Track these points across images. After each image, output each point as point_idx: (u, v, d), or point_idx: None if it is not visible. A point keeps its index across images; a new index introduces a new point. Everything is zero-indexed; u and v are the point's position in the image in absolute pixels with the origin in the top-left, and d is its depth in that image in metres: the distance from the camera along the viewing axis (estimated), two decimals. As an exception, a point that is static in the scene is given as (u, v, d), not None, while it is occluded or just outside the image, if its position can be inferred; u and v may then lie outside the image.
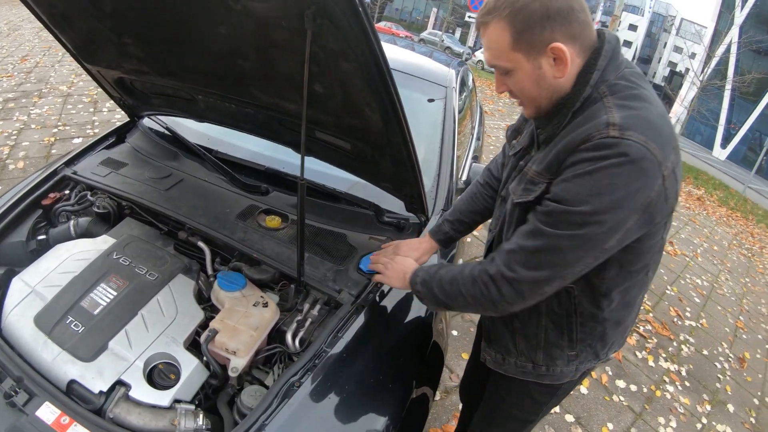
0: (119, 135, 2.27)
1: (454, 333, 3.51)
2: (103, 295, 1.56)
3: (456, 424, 2.38)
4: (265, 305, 1.59)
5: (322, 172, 2.01)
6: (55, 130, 5.30)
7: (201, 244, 1.78)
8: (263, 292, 1.68)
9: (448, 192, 2.21)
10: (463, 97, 3.20)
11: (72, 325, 1.47)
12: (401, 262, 1.56)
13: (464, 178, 2.58)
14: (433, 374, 1.79)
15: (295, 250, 1.73)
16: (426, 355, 1.69)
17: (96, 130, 5.46)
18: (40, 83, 6.99)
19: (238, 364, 1.46)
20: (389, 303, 1.70)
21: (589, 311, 1.32)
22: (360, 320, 1.57)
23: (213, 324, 1.51)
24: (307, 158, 1.51)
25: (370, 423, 1.42)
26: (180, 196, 1.91)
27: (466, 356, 3.21)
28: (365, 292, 1.66)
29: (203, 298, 1.69)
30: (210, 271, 1.73)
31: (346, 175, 1.90)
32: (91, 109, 6.09)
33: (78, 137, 5.16)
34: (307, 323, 1.59)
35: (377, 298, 1.66)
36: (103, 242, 1.73)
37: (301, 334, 1.57)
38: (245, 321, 1.53)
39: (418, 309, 1.76)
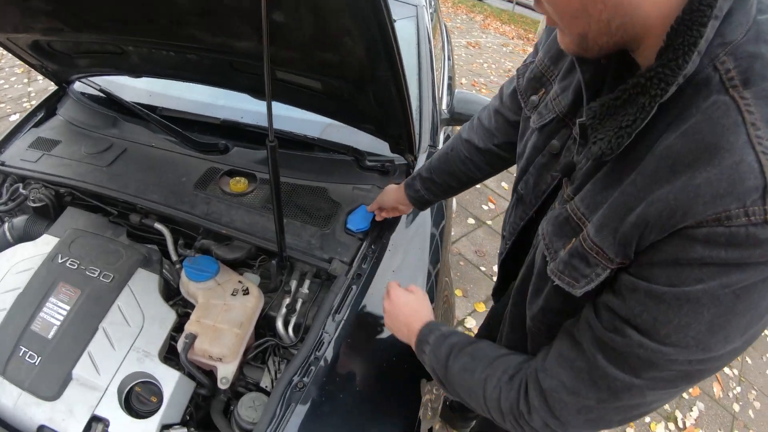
0: (49, 108, 1.86)
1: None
2: (55, 312, 1.28)
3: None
4: (246, 292, 1.30)
5: (286, 117, 1.63)
6: None
7: (158, 225, 1.45)
8: (240, 275, 1.37)
9: (432, 123, 1.83)
10: (431, 14, 2.67)
11: (27, 358, 1.22)
12: (402, 312, 1.06)
13: (445, 106, 2.16)
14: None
15: (270, 216, 1.40)
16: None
17: (33, 102, 4.73)
18: (-34, 62, 6.18)
19: (226, 372, 1.19)
20: (391, 261, 1.38)
21: None
22: (358, 292, 1.28)
23: (188, 327, 1.23)
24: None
25: (394, 413, 1.18)
26: (125, 170, 1.55)
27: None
28: (359, 254, 1.35)
29: (172, 291, 1.39)
30: (174, 257, 1.43)
31: (316, 118, 1.51)
32: (25, 80, 5.36)
33: (15, 113, 4.56)
34: (299, 305, 1.31)
35: (375, 259, 1.35)
36: (45, 244, 1.41)
37: (293, 319, 1.29)
38: (226, 317, 1.25)
39: (422, 262, 1.45)
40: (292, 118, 1.66)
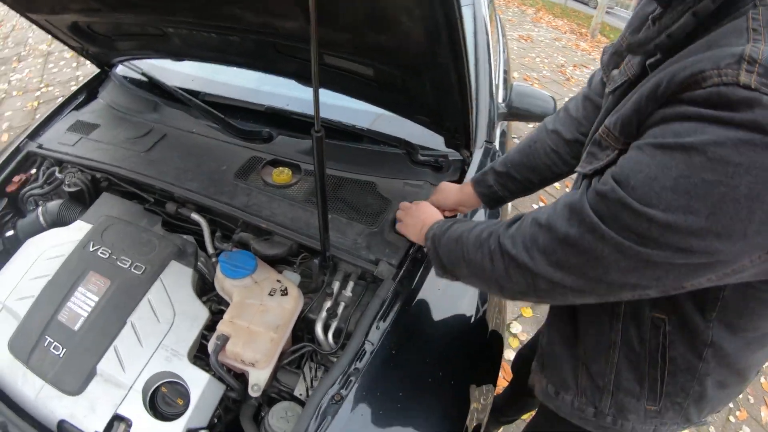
0: (90, 91, 1.80)
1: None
2: (83, 302, 1.20)
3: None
4: (284, 292, 1.18)
5: (334, 105, 1.50)
6: (38, 93, 4.74)
7: (195, 216, 1.35)
8: (280, 273, 1.25)
9: (489, 118, 1.67)
10: (487, 3, 2.52)
11: (51, 348, 1.15)
12: (424, 210, 1.16)
13: (501, 100, 2.00)
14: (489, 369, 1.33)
15: (314, 211, 1.28)
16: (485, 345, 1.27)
17: (82, 87, 4.86)
18: (19, 46, 6.22)
19: (259, 379, 1.08)
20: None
21: (685, 359, 0.85)
22: (406, 298, 1.14)
23: (221, 327, 1.12)
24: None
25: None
26: (163, 156, 1.46)
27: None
28: (408, 257, 1.21)
29: (207, 286, 1.29)
30: (211, 250, 1.32)
31: (367, 107, 1.38)
32: (74, 64, 5.43)
33: (63, 96, 4.60)
34: (340, 308, 1.18)
35: (426, 263, 1.21)
36: (78, 230, 1.33)
37: (334, 324, 1.16)
38: (261, 319, 1.13)
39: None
40: (340, 107, 1.53)
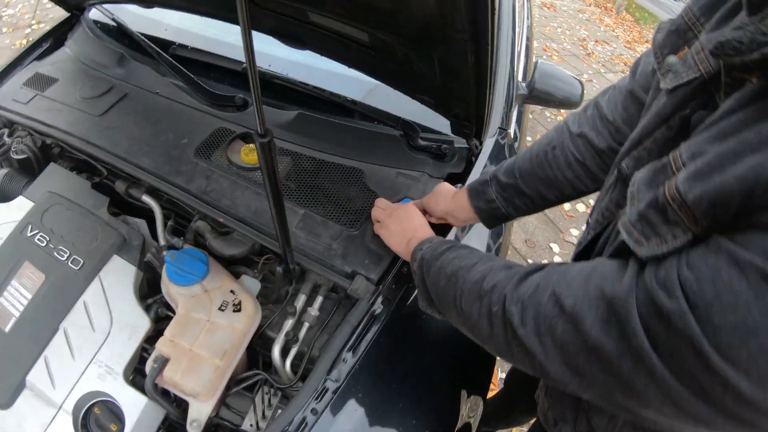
0: (57, 38, 1.54)
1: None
2: (16, 299, 1.03)
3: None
4: (238, 308, 0.96)
5: (321, 69, 1.23)
6: (28, 30, 4.39)
7: (146, 198, 1.13)
8: (237, 278, 1.03)
9: (507, 100, 1.34)
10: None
11: None
12: (410, 215, 0.94)
13: (521, 76, 1.64)
14: (481, 379, 1.12)
15: (286, 202, 1.05)
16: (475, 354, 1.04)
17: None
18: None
19: (200, 414, 0.89)
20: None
21: None
22: (384, 325, 0.92)
23: (160, 347, 0.93)
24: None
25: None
26: (119, 122, 1.22)
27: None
28: (392, 272, 0.97)
29: (156, 281, 1.08)
30: (162, 242, 1.10)
31: (359, 75, 1.10)
32: None
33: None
34: (304, 329, 0.96)
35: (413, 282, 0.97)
36: (18, 209, 1.14)
37: (294, 349, 0.95)
38: (207, 341, 0.93)
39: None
40: (328, 72, 1.26)
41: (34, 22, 4.56)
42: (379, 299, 0.94)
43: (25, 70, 1.42)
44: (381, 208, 0.98)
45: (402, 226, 0.91)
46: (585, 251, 0.76)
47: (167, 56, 1.28)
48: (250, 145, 1.16)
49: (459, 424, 0.97)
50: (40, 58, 1.48)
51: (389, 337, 0.93)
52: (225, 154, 1.15)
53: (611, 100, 0.80)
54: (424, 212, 0.98)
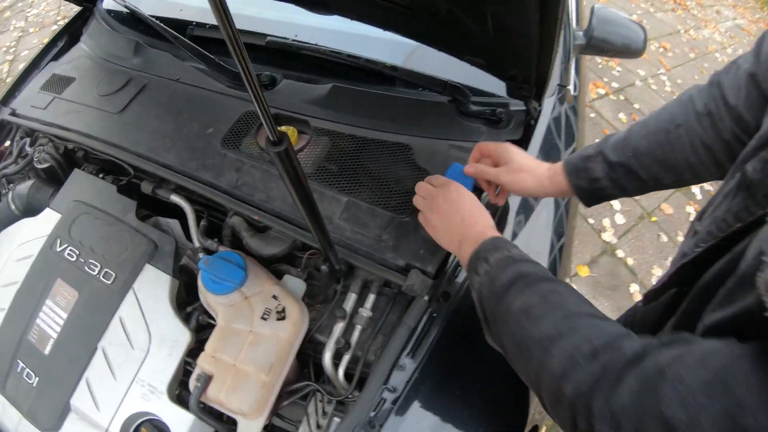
0: (72, 34, 1.45)
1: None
2: (52, 320, 0.98)
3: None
4: (282, 315, 0.85)
5: (352, 33, 1.08)
6: (55, 27, 4.26)
7: (175, 198, 1.02)
8: (279, 280, 0.91)
9: (564, 52, 1.16)
10: None
11: (24, 376, 0.97)
12: (462, 205, 0.75)
13: (575, 23, 1.42)
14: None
15: (324, 191, 0.93)
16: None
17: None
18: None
19: (249, 431, 0.79)
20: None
21: None
22: (446, 323, 0.78)
23: (201, 363, 0.83)
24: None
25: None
26: (139, 117, 1.11)
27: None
28: (451, 262, 0.82)
29: (194, 286, 0.98)
30: (197, 244, 0.99)
31: (398, 38, 0.94)
32: None
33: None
34: (356, 333, 0.84)
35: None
36: (46, 222, 1.06)
37: (347, 357, 0.82)
38: (250, 354, 0.82)
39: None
40: (360, 36, 1.10)
41: (59, 18, 4.53)
42: (438, 294, 0.80)
43: (43, 73, 1.34)
44: (422, 196, 0.80)
45: (448, 221, 0.74)
46: (690, 266, 0.62)
47: (184, 39, 1.16)
48: (282, 127, 1.03)
49: (527, 429, 0.85)
50: (56, 57, 1.39)
51: (449, 337, 0.80)
52: (255, 140, 1.03)
53: (733, 81, 0.64)
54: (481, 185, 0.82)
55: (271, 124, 0.48)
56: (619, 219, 2.74)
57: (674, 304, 0.70)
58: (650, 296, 0.79)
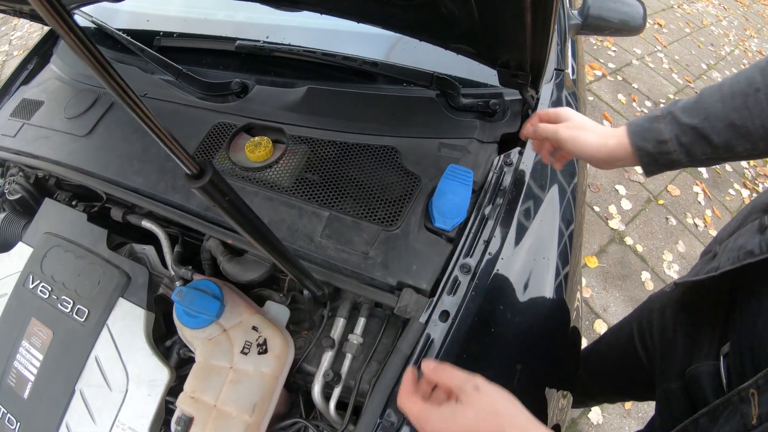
0: (42, 55, 1.37)
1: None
2: (29, 362, 0.91)
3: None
4: (263, 349, 0.76)
5: (328, 29, 1.00)
6: None
7: (147, 224, 0.94)
8: (257, 311, 0.83)
9: (560, 34, 1.08)
10: None
11: (6, 421, 0.91)
12: (491, 406, 0.53)
13: (567, 4, 1.31)
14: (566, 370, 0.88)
15: (303, 205, 0.84)
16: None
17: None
18: (18, 1, 5.69)
19: (234, 481, 0.71)
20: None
21: None
22: (446, 345, 0.69)
23: (181, 405, 0.75)
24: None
25: None
26: (107, 139, 1.03)
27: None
28: (450, 275, 0.73)
29: (171, 320, 0.90)
30: (171, 272, 0.91)
31: (379, 30, 0.84)
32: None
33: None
34: (346, 363, 0.75)
35: (480, 282, 0.73)
36: (19, 258, 0.99)
37: (338, 388, 0.74)
38: (232, 394, 0.74)
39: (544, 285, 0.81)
40: (338, 32, 1.01)
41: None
42: (436, 315, 0.71)
43: (13, 98, 1.26)
44: (411, 403, 0.56)
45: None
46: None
47: (150, 51, 1.07)
48: (255, 138, 0.94)
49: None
50: (26, 81, 1.31)
51: (451, 360, 0.71)
52: (227, 153, 0.94)
53: None
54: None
55: (183, 151, 0.39)
56: (626, 204, 2.62)
57: None
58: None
